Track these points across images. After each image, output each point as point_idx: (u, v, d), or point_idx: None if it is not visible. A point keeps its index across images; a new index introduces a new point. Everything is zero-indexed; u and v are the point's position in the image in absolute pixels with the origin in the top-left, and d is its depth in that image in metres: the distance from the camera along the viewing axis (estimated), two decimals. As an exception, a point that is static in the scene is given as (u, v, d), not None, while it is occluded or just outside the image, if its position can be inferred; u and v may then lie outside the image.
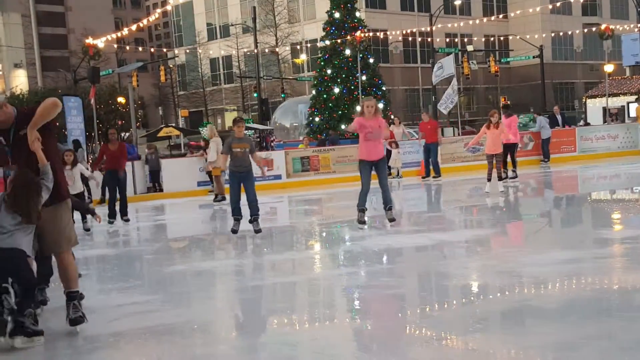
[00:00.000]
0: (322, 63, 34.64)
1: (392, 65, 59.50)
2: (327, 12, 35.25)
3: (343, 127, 29.77)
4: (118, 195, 13.14)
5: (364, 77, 31.45)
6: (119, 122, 39.64)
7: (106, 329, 5.67)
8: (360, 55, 30.36)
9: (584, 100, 41.21)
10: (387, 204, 10.12)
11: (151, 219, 14.80)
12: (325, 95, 33.85)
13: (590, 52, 70.09)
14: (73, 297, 5.50)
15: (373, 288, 6.74)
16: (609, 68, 31.49)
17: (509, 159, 16.26)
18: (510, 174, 16.03)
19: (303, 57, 58.55)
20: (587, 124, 31.19)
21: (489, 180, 14.07)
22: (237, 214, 10.33)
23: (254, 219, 10.29)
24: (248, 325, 5.75)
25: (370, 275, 7.33)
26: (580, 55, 71.16)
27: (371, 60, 34.40)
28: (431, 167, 18.90)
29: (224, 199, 15.93)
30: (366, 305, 6.09)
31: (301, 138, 30.15)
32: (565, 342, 4.61)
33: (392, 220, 10.18)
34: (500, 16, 60.03)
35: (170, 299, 6.83)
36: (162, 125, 50.25)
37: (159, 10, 34.80)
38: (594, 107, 37.84)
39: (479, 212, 12.56)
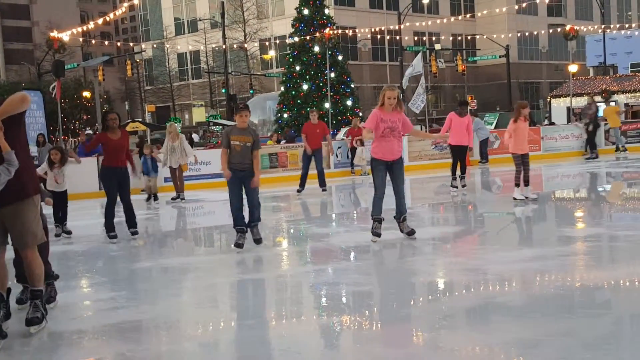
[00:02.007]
0: (291, 59, 34.60)
1: (361, 63, 59.72)
2: (296, 8, 35.23)
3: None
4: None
5: (332, 74, 31.47)
6: (84, 117, 39.18)
7: (70, 326, 5.59)
8: (329, 52, 30.37)
9: (548, 99, 41.77)
10: (402, 214, 8.67)
11: (118, 215, 14.61)
12: (293, 92, 33.84)
13: (555, 53, 71.19)
14: (36, 296, 5.38)
15: (340, 285, 6.75)
16: (573, 68, 31.95)
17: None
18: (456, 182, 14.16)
19: (272, 53, 58.42)
20: (551, 123, 31.63)
21: (517, 185, 12.14)
22: (240, 223, 8.65)
23: (253, 225, 8.77)
24: (214, 323, 5.72)
25: (337, 273, 7.34)
26: (545, 56, 72.19)
27: (340, 58, 34.45)
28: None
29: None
30: (333, 303, 6.10)
31: (269, 134, 30.07)
32: (529, 338, 4.66)
33: (412, 233, 8.66)
34: (468, 15, 60.59)
35: (136, 295, 6.77)
36: (129, 120, 49.73)
37: (126, 4, 34.35)
38: (558, 106, 38.37)
39: (446, 209, 12.66)
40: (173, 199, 15.85)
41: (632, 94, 34.01)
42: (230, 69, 52.95)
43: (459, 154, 14.12)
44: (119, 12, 33.50)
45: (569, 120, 29.52)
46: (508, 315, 5.32)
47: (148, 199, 15.73)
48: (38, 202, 5.45)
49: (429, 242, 8.81)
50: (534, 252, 7.63)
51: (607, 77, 37.70)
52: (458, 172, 14.09)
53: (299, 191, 15.52)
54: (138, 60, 66.43)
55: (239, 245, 8.61)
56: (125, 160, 10.02)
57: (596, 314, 5.25)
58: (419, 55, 24.04)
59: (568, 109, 30.51)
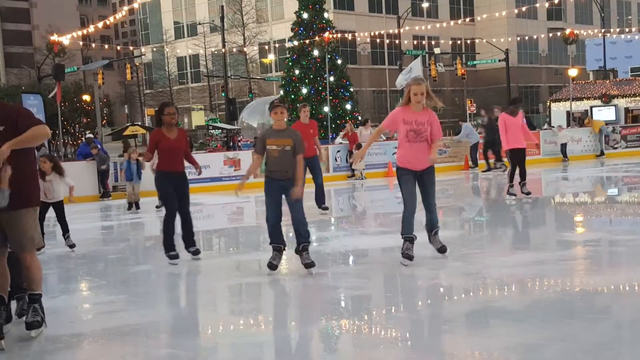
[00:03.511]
0: (290, 63, 34.64)
1: (360, 67, 59.74)
2: (296, 12, 35.27)
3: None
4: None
5: (331, 78, 31.51)
6: (84, 120, 39.18)
7: (69, 330, 5.59)
8: (328, 56, 30.43)
9: (548, 104, 41.82)
10: (433, 228, 7.62)
11: (116, 219, 14.62)
12: (293, 96, 33.84)
13: (554, 57, 71.24)
14: (34, 300, 5.36)
15: (339, 289, 6.75)
16: (573, 72, 32.01)
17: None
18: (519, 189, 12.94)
19: (271, 57, 58.47)
20: (551, 127, 31.68)
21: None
22: (277, 240, 7.27)
23: (302, 247, 7.23)
24: (213, 326, 5.72)
25: (336, 277, 7.34)
26: (545, 60, 72.26)
27: (339, 62, 34.50)
28: None
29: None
30: (332, 307, 6.09)
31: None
32: (528, 343, 4.66)
33: (442, 250, 7.68)
34: (467, 19, 60.65)
35: (135, 299, 6.76)
36: (128, 124, 49.77)
37: (125, 8, 34.40)
38: (558, 110, 38.43)
39: (445, 213, 12.66)
40: (157, 207, 14.11)
41: (632, 98, 34.05)
42: (230, 73, 52.95)
43: (518, 158, 12.65)
44: (118, 15, 33.58)
45: (568, 124, 29.57)
46: (508, 319, 5.31)
47: (130, 207, 14.94)
48: (37, 209, 5.44)
49: (428, 247, 8.79)
50: (533, 257, 7.63)
51: (607, 81, 37.76)
52: (517, 178, 12.74)
53: (325, 209, 12.41)
54: (138, 63, 66.54)
55: (272, 266, 7.24)
56: (183, 164, 8.35)
57: (596, 319, 5.25)
58: (418, 59, 24.08)
59: (568, 113, 30.56)
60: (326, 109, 29.62)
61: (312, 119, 13.22)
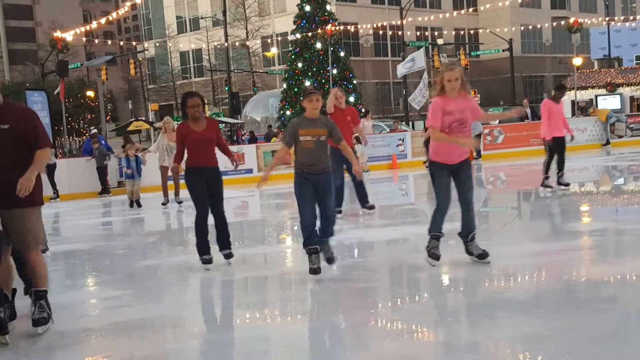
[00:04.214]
0: (293, 56, 34.59)
1: (363, 59, 59.61)
2: (298, 5, 35.20)
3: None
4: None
5: (335, 71, 31.49)
6: (88, 116, 39.20)
7: (76, 325, 5.61)
8: (331, 48, 30.37)
9: (552, 93, 41.66)
10: (470, 231, 6.76)
11: (121, 214, 14.64)
12: (296, 89, 33.81)
13: (559, 46, 70.96)
14: (40, 297, 5.38)
15: (345, 282, 6.75)
16: (577, 61, 31.90)
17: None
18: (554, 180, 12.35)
19: (274, 50, 58.38)
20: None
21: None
22: (314, 242, 6.63)
23: (324, 240, 6.77)
24: (219, 320, 5.73)
25: (341, 269, 7.34)
26: (549, 49, 71.99)
27: (342, 54, 34.44)
28: None
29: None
30: (338, 299, 6.10)
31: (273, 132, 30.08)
32: (535, 333, 4.66)
33: (483, 256, 6.72)
34: (470, 10, 60.44)
35: (142, 294, 6.78)
36: (132, 119, 49.83)
37: (128, 3, 34.36)
38: (563, 100, 38.27)
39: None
40: (163, 204, 14.39)
41: (637, 87, 33.88)
42: (233, 67, 52.93)
43: (560, 147, 11.97)
44: (121, 11, 33.60)
45: (573, 114, 29.49)
46: (513, 310, 5.31)
47: (131, 205, 14.55)
48: (41, 208, 5.45)
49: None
50: (539, 247, 7.62)
51: (612, 70, 37.57)
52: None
53: (339, 212, 10.62)
54: (141, 59, 66.46)
55: (315, 270, 6.57)
56: (216, 158, 7.60)
57: (602, 309, 5.24)
58: (421, 50, 24.01)
59: (572, 102, 30.45)
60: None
61: (349, 105, 11.22)
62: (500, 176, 17.33)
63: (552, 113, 11.88)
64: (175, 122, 25.65)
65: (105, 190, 18.37)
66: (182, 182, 17.21)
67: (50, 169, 17.06)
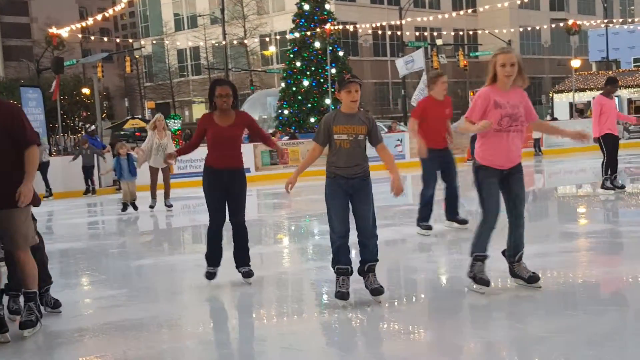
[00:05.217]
0: (291, 55, 34.53)
1: (362, 59, 59.59)
2: (297, 4, 35.12)
3: (313, 120, 29.54)
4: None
5: (333, 70, 31.42)
6: (84, 114, 39.12)
7: (70, 325, 5.56)
8: (330, 48, 30.33)
9: (551, 95, 41.72)
10: (518, 250, 5.84)
11: (116, 213, 14.59)
12: (294, 88, 33.76)
13: (557, 48, 70.99)
14: (29, 298, 5.30)
15: (342, 282, 6.69)
16: (575, 63, 31.94)
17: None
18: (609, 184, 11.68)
19: (272, 49, 58.31)
20: (554, 118, 31.60)
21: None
22: (344, 261, 5.60)
23: (368, 268, 5.64)
24: (215, 320, 5.69)
25: (339, 269, 7.29)
26: (547, 51, 72.06)
27: (341, 53, 34.39)
28: None
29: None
30: (335, 300, 6.05)
31: (270, 131, 30.06)
32: (533, 335, 4.63)
33: (536, 279, 5.75)
34: (470, 10, 60.45)
35: (136, 293, 6.73)
36: (128, 117, 49.73)
37: (125, 0, 34.27)
38: (561, 102, 38.35)
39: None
40: (151, 207, 13.63)
41: (635, 89, 33.94)
42: (231, 65, 52.89)
43: (611, 146, 11.28)
44: (118, 8, 33.48)
45: (571, 116, 29.51)
46: (511, 311, 5.28)
47: (124, 209, 13.63)
48: (30, 207, 5.36)
49: (431, 238, 8.77)
50: (536, 249, 7.59)
51: (610, 72, 37.66)
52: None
53: (428, 228, 8.97)
54: (137, 56, 66.38)
55: (343, 295, 5.56)
56: (240, 158, 6.56)
57: (599, 311, 5.21)
58: (420, 50, 23.98)
59: (570, 104, 30.49)
60: (328, 101, 29.57)
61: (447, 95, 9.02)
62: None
63: (604, 110, 11.09)
64: (173, 120, 25.41)
65: (89, 190, 18.22)
66: (189, 180, 17.46)
67: (44, 167, 17.00)
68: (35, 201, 5.32)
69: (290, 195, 5.66)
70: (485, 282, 5.67)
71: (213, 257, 6.61)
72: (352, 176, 5.55)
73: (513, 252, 5.79)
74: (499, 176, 5.61)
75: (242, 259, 6.62)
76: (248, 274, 6.58)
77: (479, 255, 5.75)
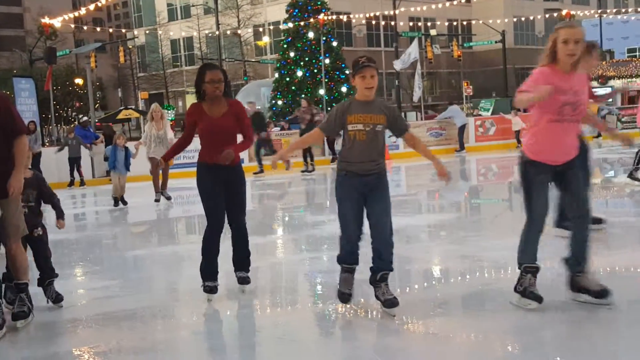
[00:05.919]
0: (285, 46, 34.45)
1: (356, 49, 59.37)
2: (290, -6, 35.01)
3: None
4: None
5: (327, 61, 31.37)
6: (77, 104, 38.96)
7: (64, 315, 5.56)
8: (324, 38, 30.25)
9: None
10: (580, 261, 4.94)
11: (109, 203, 14.55)
12: (288, 79, 33.71)
13: (550, 38, 70.89)
14: (21, 289, 5.29)
15: (336, 273, 6.68)
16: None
17: None
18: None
19: (266, 39, 58.12)
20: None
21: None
22: (352, 260, 5.28)
23: (381, 277, 5.16)
24: (209, 311, 5.69)
25: (333, 260, 7.26)
26: (541, 41, 71.82)
27: (334, 44, 34.31)
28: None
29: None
30: (328, 291, 6.06)
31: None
32: (525, 325, 4.65)
33: (605, 294, 4.85)
34: (463, 0, 60.31)
35: (130, 284, 6.73)
36: (122, 108, 49.54)
37: (118, -10, 34.11)
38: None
39: (441, 196, 12.64)
40: (157, 200, 13.13)
41: (628, 79, 33.96)
42: (224, 56, 52.72)
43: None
44: (111, -2, 33.24)
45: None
46: (504, 302, 5.29)
47: (116, 204, 13.08)
48: (20, 198, 5.32)
49: (424, 229, 8.79)
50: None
51: (604, 63, 37.66)
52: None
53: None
54: (131, 46, 66.13)
55: (345, 297, 5.22)
56: (239, 155, 5.82)
57: (593, 302, 5.22)
58: (415, 42, 23.97)
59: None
60: (322, 91, 29.52)
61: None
62: (492, 167, 17.34)
63: None
64: (166, 111, 25.30)
65: (73, 182, 18.05)
66: (183, 171, 17.35)
67: (36, 158, 16.92)
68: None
69: (277, 170, 5.20)
70: (538, 298, 4.85)
71: (210, 270, 5.78)
72: (366, 173, 4.93)
73: (576, 262, 4.91)
74: (552, 172, 4.86)
75: (242, 263, 5.99)
76: (244, 280, 5.96)
77: (528, 266, 4.95)
